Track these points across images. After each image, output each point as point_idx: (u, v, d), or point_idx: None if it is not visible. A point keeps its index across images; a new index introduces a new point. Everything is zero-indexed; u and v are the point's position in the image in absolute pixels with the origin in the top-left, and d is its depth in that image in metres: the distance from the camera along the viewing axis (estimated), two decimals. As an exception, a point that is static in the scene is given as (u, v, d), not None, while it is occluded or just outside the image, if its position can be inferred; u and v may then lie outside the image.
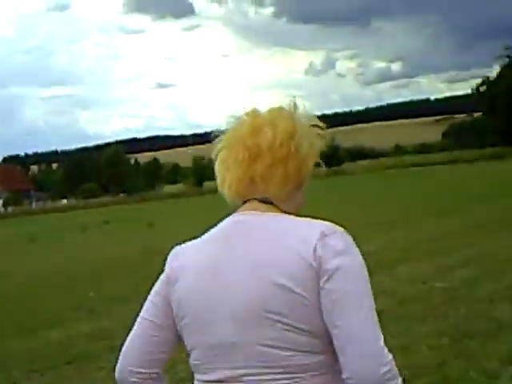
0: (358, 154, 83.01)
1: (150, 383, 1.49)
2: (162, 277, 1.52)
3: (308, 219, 1.40)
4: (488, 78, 51.43)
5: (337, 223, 1.39)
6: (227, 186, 1.48)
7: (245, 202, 1.48)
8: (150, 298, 1.52)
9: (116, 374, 1.51)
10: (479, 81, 52.96)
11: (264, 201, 1.45)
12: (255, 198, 1.46)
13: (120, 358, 1.51)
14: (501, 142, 45.42)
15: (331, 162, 50.68)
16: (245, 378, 1.35)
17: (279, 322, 1.31)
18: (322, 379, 1.34)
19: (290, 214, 1.46)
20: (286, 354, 1.31)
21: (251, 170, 1.44)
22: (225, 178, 1.48)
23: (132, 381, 1.48)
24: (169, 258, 1.52)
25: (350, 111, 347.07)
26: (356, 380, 1.27)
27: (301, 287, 1.30)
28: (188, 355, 1.47)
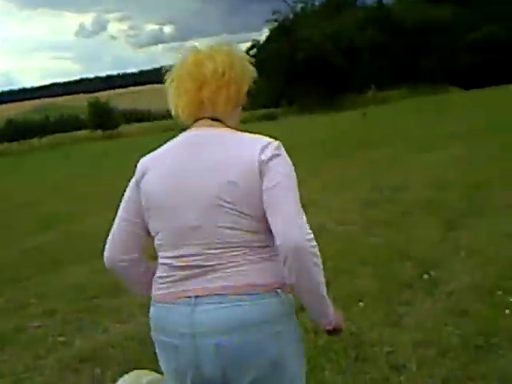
0: (134, 116, 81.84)
1: (133, 264, 1.93)
2: (131, 182, 1.92)
3: (249, 134, 1.85)
4: (258, 41, 53.18)
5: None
6: (180, 110, 1.88)
7: (196, 121, 1.88)
8: (123, 200, 1.93)
9: (105, 264, 1.96)
10: (249, 44, 54.46)
11: (214, 118, 1.87)
12: (206, 117, 1.87)
13: (105, 251, 1.94)
14: (271, 103, 47.49)
15: (107, 125, 49.02)
16: (204, 252, 1.76)
17: (232, 209, 1.73)
18: (263, 251, 1.77)
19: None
20: (236, 233, 1.74)
21: (200, 95, 1.83)
22: (178, 104, 1.88)
23: (119, 265, 1.93)
24: (137, 166, 1.91)
25: (124, 73, 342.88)
26: (286, 243, 1.64)
27: (248, 183, 1.72)
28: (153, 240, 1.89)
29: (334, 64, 41.00)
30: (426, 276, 5.00)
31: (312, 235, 1.67)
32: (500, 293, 4.40)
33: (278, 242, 1.67)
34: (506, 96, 25.54)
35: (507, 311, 4.06)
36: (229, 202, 1.73)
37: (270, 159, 1.73)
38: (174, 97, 1.89)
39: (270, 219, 1.70)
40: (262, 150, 1.74)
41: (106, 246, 1.95)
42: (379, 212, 7.63)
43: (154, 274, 1.91)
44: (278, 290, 1.77)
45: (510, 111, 17.77)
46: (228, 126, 1.88)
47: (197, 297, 1.76)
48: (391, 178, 9.86)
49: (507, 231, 5.91)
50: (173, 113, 1.90)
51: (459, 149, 12.07)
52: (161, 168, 1.84)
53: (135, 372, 2.48)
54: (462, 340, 3.75)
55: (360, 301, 4.64)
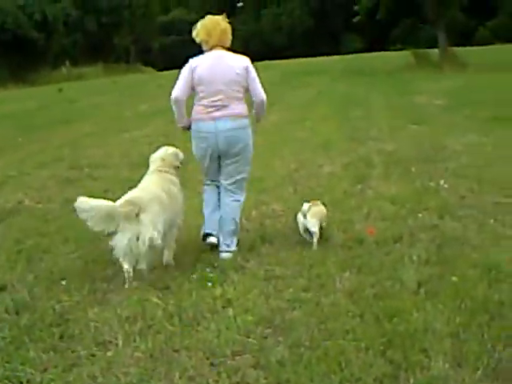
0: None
1: (184, 102, 4.83)
2: (186, 67, 4.84)
3: (236, 54, 4.90)
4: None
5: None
6: (210, 44, 4.83)
7: (215, 48, 4.85)
8: (182, 76, 4.83)
9: (173, 100, 4.81)
10: None
11: (224, 47, 4.88)
12: (221, 46, 4.86)
13: (172, 94, 4.79)
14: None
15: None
16: (223, 101, 4.75)
17: (236, 83, 4.76)
18: (243, 102, 4.84)
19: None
20: (236, 94, 4.77)
21: (222, 36, 4.85)
22: (208, 41, 4.84)
23: (180, 100, 4.79)
24: (189, 61, 4.85)
25: None
26: (259, 99, 4.84)
27: (243, 73, 4.77)
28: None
29: (26, 37, 38.76)
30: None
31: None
32: (201, 267, 4.66)
33: (254, 98, 4.86)
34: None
35: (209, 284, 4.33)
36: (235, 81, 4.73)
37: (249, 66, 4.80)
38: (202, 38, 4.87)
39: (251, 89, 4.81)
40: (246, 62, 4.81)
41: (174, 91, 4.78)
42: (79, 189, 7.49)
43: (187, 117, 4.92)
44: (247, 117, 4.85)
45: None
46: (228, 50, 4.85)
47: (220, 117, 4.73)
48: (91, 155, 9.77)
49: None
50: (199, 41, 4.91)
51: (151, 128, 12.49)
52: (204, 64, 4.78)
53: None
54: (167, 313, 3.90)
55: (63, 279, 4.57)
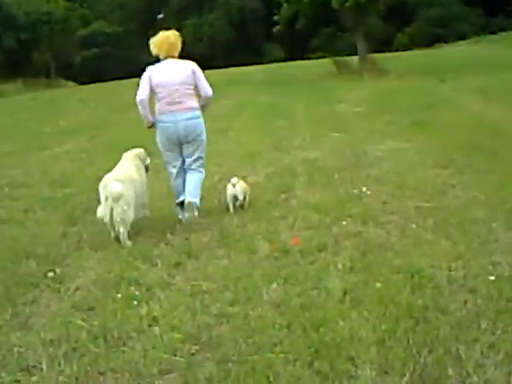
0: None
1: (147, 102, 5.99)
2: (145, 74, 6.05)
3: (184, 60, 6.20)
4: None
5: None
6: (163, 54, 6.12)
7: (166, 58, 6.12)
8: (142, 82, 6.02)
9: (138, 101, 5.98)
10: None
11: (175, 56, 6.16)
12: (173, 56, 6.13)
13: (137, 96, 5.96)
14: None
15: None
16: (178, 97, 6.00)
17: (187, 83, 6.04)
18: (194, 97, 6.12)
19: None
20: (188, 91, 6.06)
21: (172, 48, 6.13)
22: (160, 51, 6.13)
23: (144, 100, 5.95)
24: (147, 69, 6.10)
25: None
26: (207, 95, 6.14)
27: (191, 75, 6.07)
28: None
29: None
30: (50, 274, 4.95)
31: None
32: (125, 285, 4.59)
33: (202, 94, 6.13)
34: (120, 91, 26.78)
35: (135, 302, 4.25)
36: (186, 82, 6.02)
37: (195, 68, 6.11)
38: (156, 50, 6.14)
39: (201, 89, 6.10)
40: (192, 65, 6.13)
41: (138, 95, 5.94)
42: (0, 210, 7.27)
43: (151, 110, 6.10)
44: (199, 109, 6.14)
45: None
46: (177, 58, 6.16)
47: (177, 110, 5.99)
48: (11, 174, 9.45)
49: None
50: (155, 54, 6.17)
51: (72, 144, 12.25)
52: (159, 72, 6.03)
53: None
54: (91, 335, 3.81)
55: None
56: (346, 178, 7.35)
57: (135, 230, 5.89)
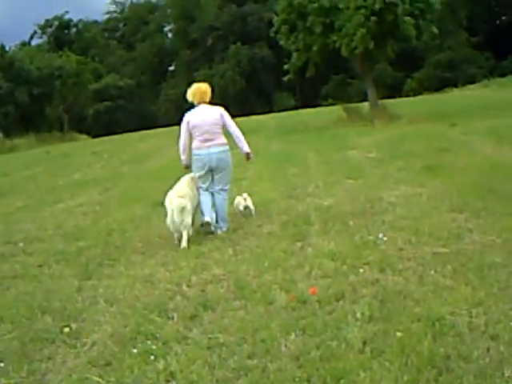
0: None
1: (187, 146, 7.90)
2: (184, 120, 7.80)
3: (215, 106, 7.91)
4: None
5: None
6: (197, 100, 7.81)
7: (199, 104, 7.80)
8: (182, 128, 7.82)
9: (180, 147, 7.97)
10: None
11: (206, 102, 7.85)
12: (203, 102, 7.81)
13: (179, 143, 7.97)
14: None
15: None
16: (211, 135, 7.67)
17: (216, 124, 7.73)
18: (223, 135, 7.82)
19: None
20: (218, 130, 7.74)
21: (203, 96, 7.82)
22: (194, 98, 7.82)
23: (185, 146, 7.92)
24: (185, 114, 7.85)
25: None
26: (233, 133, 7.91)
27: (220, 117, 7.75)
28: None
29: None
30: (66, 329, 4.90)
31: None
32: (142, 339, 4.54)
33: (232, 133, 7.85)
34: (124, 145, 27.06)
35: (152, 357, 4.19)
36: (215, 123, 7.69)
37: (222, 112, 7.80)
38: (191, 97, 7.82)
39: (229, 128, 7.81)
40: (220, 110, 7.82)
41: (180, 142, 7.88)
42: (14, 265, 7.27)
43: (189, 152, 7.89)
44: (227, 144, 7.79)
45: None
46: (209, 104, 7.86)
47: (211, 146, 7.64)
48: (25, 229, 9.49)
49: (143, 276, 6.14)
50: (190, 101, 7.84)
51: (86, 197, 12.33)
52: (194, 116, 7.73)
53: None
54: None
55: (0, 361, 4.39)
56: (361, 224, 7.30)
57: (150, 283, 5.87)
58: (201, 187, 7.79)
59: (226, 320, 4.76)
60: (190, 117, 7.76)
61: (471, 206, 7.59)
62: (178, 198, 7.35)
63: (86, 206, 11.16)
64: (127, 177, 15.50)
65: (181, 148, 7.91)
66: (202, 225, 7.69)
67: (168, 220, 7.33)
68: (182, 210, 7.20)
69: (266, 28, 42.95)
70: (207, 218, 7.61)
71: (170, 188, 7.77)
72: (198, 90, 7.84)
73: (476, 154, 12.17)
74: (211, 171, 7.73)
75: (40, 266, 7.12)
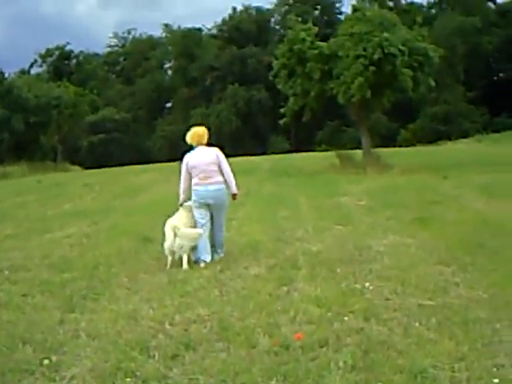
0: None
1: (188, 185, 8.51)
2: (183, 161, 8.55)
3: (212, 147, 8.61)
4: None
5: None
6: (195, 143, 8.52)
7: (197, 146, 8.51)
8: (182, 168, 8.55)
9: (181, 188, 8.61)
10: None
11: (203, 143, 8.53)
12: (202, 144, 8.51)
13: (180, 185, 8.64)
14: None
15: None
16: (208, 174, 8.32)
17: (216, 164, 8.40)
18: (220, 174, 8.40)
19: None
20: (215, 169, 8.38)
21: (201, 139, 8.52)
22: (192, 141, 8.53)
23: (186, 186, 8.56)
24: (185, 157, 8.59)
25: None
26: (228, 176, 8.47)
27: (215, 157, 8.42)
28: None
29: None
30: (46, 361, 4.85)
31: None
32: (121, 376, 4.48)
33: (225, 173, 8.42)
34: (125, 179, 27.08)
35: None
36: (212, 163, 8.35)
37: (218, 153, 8.47)
38: (190, 140, 8.51)
39: (223, 168, 8.38)
40: (216, 150, 8.50)
41: (182, 183, 8.55)
42: (-1, 293, 7.20)
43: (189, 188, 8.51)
44: (224, 182, 8.41)
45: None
46: (206, 146, 8.52)
47: (208, 183, 8.29)
48: (12, 257, 9.42)
49: (127, 312, 6.09)
50: (189, 143, 8.55)
51: (75, 228, 12.29)
52: (192, 157, 8.43)
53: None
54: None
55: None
56: (348, 271, 7.30)
57: (134, 319, 5.82)
58: (200, 223, 8.40)
59: (207, 361, 4.72)
60: (188, 158, 8.48)
61: (459, 260, 7.62)
62: (188, 228, 8.28)
63: (74, 238, 11.10)
64: (118, 210, 15.47)
65: (181, 187, 8.57)
66: (196, 260, 8.31)
67: (168, 244, 8.06)
68: (186, 236, 8.07)
69: (264, 71, 43.59)
70: (208, 259, 8.30)
71: (169, 216, 8.55)
72: (196, 133, 8.57)
73: (466, 209, 12.27)
74: (208, 206, 8.39)
75: (24, 295, 7.05)
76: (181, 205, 8.59)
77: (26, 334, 5.54)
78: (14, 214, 15.82)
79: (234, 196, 8.67)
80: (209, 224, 8.51)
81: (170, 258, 8.10)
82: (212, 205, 8.42)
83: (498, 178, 16.94)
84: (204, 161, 8.36)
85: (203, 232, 8.28)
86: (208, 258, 8.30)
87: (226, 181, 8.45)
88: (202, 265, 8.15)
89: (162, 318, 5.81)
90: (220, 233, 8.69)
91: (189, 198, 8.59)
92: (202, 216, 8.43)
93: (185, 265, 8.00)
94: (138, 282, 7.42)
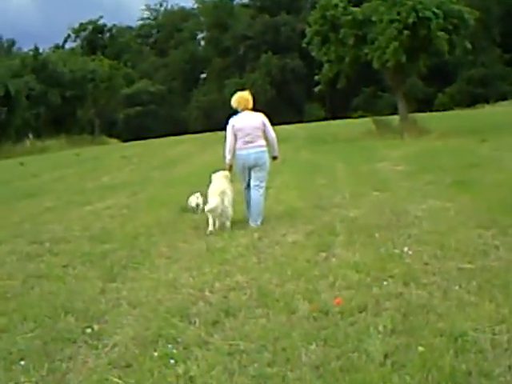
0: None
1: (234, 145, 8.74)
2: (229, 124, 8.76)
3: (257, 112, 8.93)
4: None
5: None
6: (241, 107, 8.76)
7: (243, 110, 8.77)
8: (228, 131, 8.78)
9: (228, 147, 8.83)
10: None
11: (249, 108, 8.79)
12: (247, 108, 8.77)
13: (227, 144, 8.83)
14: None
15: None
16: (253, 138, 8.66)
17: (261, 129, 8.74)
18: (263, 138, 8.79)
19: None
20: (259, 133, 8.71)
21: (247, 103, 8.77)
22: (239, 105, 8.77)
23: (232, 145, 8.75)
24: (230, 120, 8.78)
25: None
26: (273, 138, 8.90)
27: (261, 123, 8.75)
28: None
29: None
30: (88, 330, 4.93)
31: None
32: (163, 343, 4.55)
33: (269, 137, 8.84)
34: (151, 149, 27.23)
35: (172, 361, 4.21)
36: (256, 127, 8.68)
37: (263, 118, 8.79)
38: (236, 104, 8.76)
39: (268, 132, 8.79)
40: (262, 116, 8.82)
41: (227, 143, 8.76)
42: (39, 265, 7.35)
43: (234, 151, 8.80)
44: (265, 146, 8.80)
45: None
46: (252, 111, 8.82)
47: (250, 147, 8.62)
48: (52, 230, 9.60)
49: (167, 280, 6.17)
50: (235, 107, 8.78)
51: (114, 200, 12.44)
52: (238, 120, 8.70)
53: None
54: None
55: (22, 359, 4.43)
56: (386, 237, 7.26)
57: (174, 287, 5.91)
58: (243, 182, 8.90)
59: (247, 327, 4.76)
60: (234, 121, 8.72)
61: (498, 223, 7.50)
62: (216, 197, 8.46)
63: (114, 209, 11.25)
64: (156, 181, 15.62)
65: (227, 148, 8.80)
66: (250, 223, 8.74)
67: (212, 206, 8.31)
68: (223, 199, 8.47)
69: (298, 38, 43.07)
70: (253, 224, 8.65)
71: (208, 184, 8.87)
72: (243, 97, 8.79)
73: (506, 171, 12.03)
74: (249, 169, 8.71)
75: (65, 266, 7.19)
76: (229, 167, 8.86)
77: (67, 303, 5.65)
78: (53, 187, 16.12)
79: (274, 158, 9.09)
80: (248, 189, 8.82)
81: (212, 221, 8.40)
82: (252, 167, 8.68)
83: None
84: (250, 124, 8.64)
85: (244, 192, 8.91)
86: (259, 220, 8.66)
87: (268, 145, 8.80)
88: (254, 225, 8.59)
89: (202, 286, 5.87)
90: (259, 197, 8.77)
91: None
92: (243, 179, 8.83)
93: (210, 227, 8.38)
94: (177, 251, 7.50)
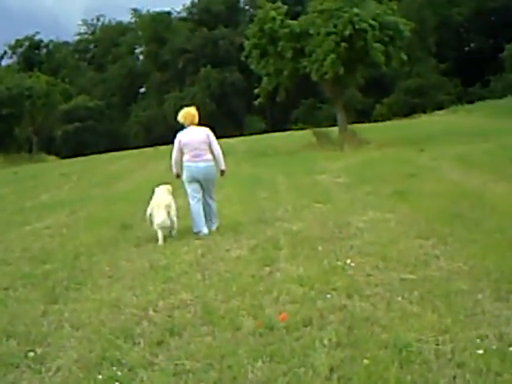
0: None
1: (179, 160, 9.24)
2: (176, 139, 9.16)
3: (203, 127, 9.33)
4: None
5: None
6: (187, 122, 9.18)
7: (189, 125, 9.18)
8: (174, 146, 9.23)
9: (173, 161, 9.35)
10: None
11: (195, 123, 9.21)
12: (193, 124, 9.19)
13: (172, 159, 9.34)
14: None
15: None
16: (200, 152, 9.01)
17: (207, 142, 9.07)
18: (210, 152, 9.10)
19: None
20: (206, 147, 9.07)
21: (193, 118, 9.21)
22: (185, 120, 9.19)
23: (177, 160, 9.27)
24: (178, 135, 9.18)
25: None
26: (217, 153, 9.15)
27: (206, 137, 9.12)
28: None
29: None
30: (31, 354, 4.81)
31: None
32: (107, 365, 4.46)
33: (215, 151, 9.11)
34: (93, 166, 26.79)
35: (117, 383, 4.12)
36: (203, 141, 9.04)
37: (208, 133, 9.17)
38: (182, 119, 9.21)
39: (213, 146, 9.09)
40: (207, 130, 9.19)
41: (173, 156, 9.25)
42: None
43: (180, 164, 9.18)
44: (213, 160, 9.10)
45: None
46: (197, 126, 9.24)
47: (198, 161, 8.97)
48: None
49: (110, 301, 6.05)
50: (181, 123, 9.23)
51: (53, 219, 12.18)
52: (184, 135, 9.10)
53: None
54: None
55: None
56: (329, 249, 7.33)
57: (117, 307, 5.80)
58: (194, 196, 9.08)
59: (192, 346, 4.71)
60: (181, 136, 9.13)
61: (438, 233, 7.68)
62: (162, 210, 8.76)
63: (54, 229, 11.01)
64: (96, 199, 15.36)
65: (173, 162, 9.27)
66: (196, 233, 8.98)
67: (160, 220, 8.67)
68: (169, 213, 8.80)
69: (236, 52, 43.25)
70: (206, 231, 8.95)
71: (150, 199, 9.16)
72: (189, 113, 9.22)
73: (444, 180, 12.36)
74: (199, 182, 9.05)
75: (6, 288, 6.98)
76: (177, 175, 9.32)
77: (9, 327, 5.51)
78: (-9, 207, 15.63)
79: (222, 172, 9.29)
80: (201, 198, 9.10)
81: (161, 234, 8.64)
82: (202, 180, 9.03)
83: (474, 148, 17.07)
84: (196, 139, 9.01)
85: (198, 206, 9.04)
86: (206, 230, 8.93)
87: (214, 158, 9.10)
88: (213, 228, 9.15)
89: (146, 305, 5.79)
90: (212, 204, 9.28)
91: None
92: (195, 191, 9.08)
93: (160, 241, 8.62)
94: (119, 270, 7.39)
